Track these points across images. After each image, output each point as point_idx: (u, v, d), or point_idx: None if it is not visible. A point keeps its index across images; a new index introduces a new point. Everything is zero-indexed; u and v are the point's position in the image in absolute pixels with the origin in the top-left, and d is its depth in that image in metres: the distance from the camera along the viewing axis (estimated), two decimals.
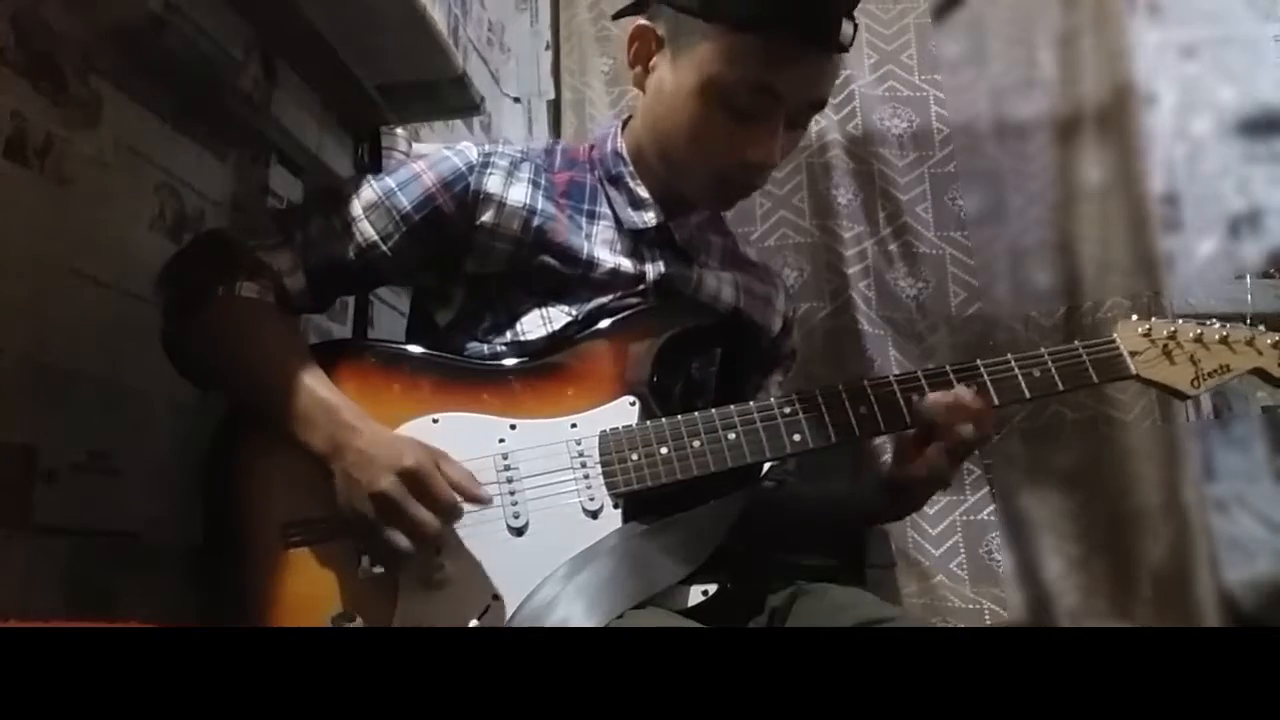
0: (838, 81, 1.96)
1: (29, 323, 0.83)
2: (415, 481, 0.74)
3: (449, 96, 1.30)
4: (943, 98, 1.99)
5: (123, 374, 0.94)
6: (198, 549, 0.84)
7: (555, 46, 2.12)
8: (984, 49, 1.98)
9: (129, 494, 0.94)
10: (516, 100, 2.03)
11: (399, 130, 1.37)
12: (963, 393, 0.86)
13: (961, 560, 1.77)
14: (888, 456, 0.96)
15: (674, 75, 0.90)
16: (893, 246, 1.92)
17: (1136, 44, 1.86)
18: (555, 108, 2.09)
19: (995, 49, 1.98)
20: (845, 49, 0.87)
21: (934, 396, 0.86)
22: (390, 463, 0.75)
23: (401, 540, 0.74)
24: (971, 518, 1.80)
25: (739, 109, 0.86)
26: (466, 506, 0.78)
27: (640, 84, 0.95)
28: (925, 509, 1.80)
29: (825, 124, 1.95)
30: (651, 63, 0.93)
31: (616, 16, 1.01)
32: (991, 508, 1.79)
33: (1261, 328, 0.91)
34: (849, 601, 0.86)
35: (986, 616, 1.73)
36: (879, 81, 2.01)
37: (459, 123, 1.67)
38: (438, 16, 1.23)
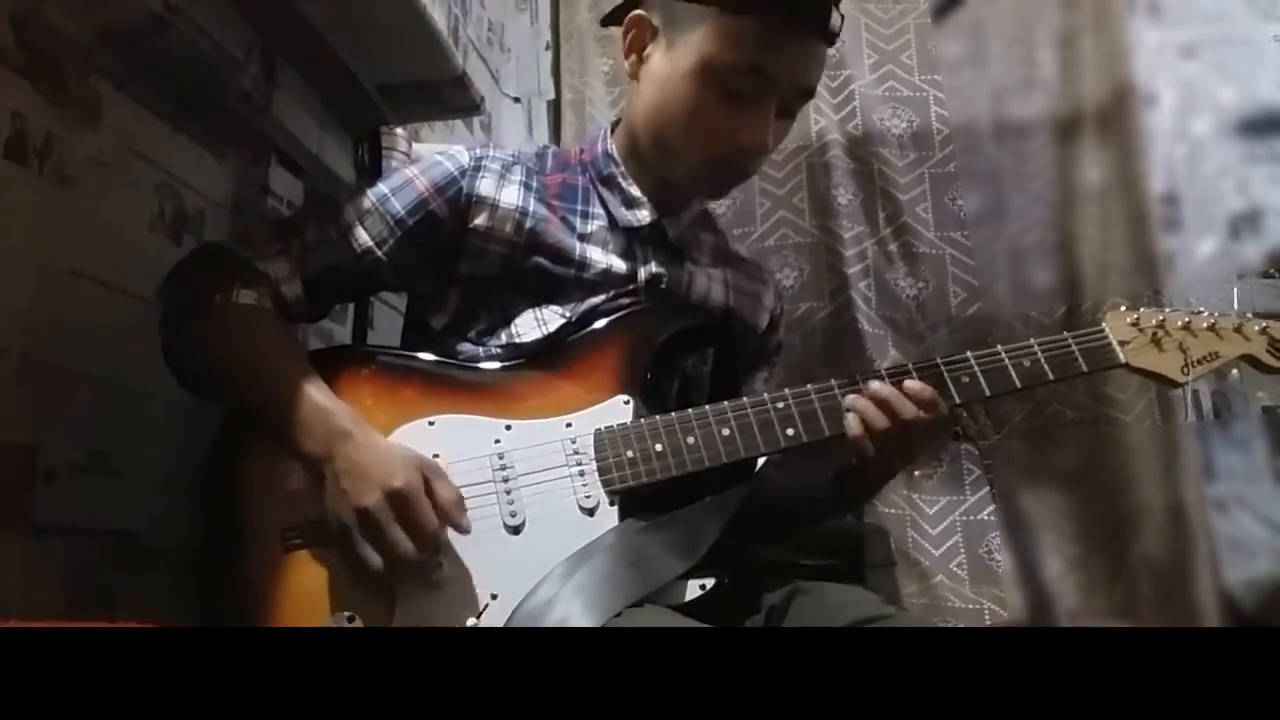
0: (837, 81, 1.99)
1: (29, 323, 0.83)
2: (401, 504, 0.74)
3: (449, 96, 1.29)
4: (943, 98, 1.99)
5: (123, 374, 0.94)
6: (198, 549, 0.84)
7: (555, 46, 2.12)
8: (984, 49, 1.99)
9: (129, 494, 0.94)
10: (516, 100, 2.03)
11: (399, 130, 1.37)
12: (880, 388, 0.83)
13: (961, 560, 1.77)
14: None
15: (669, 61, 0.91)
16: (893, 246, 1.92)
17: (1136, 44, 1.86)
18: (555, 108, 2.09)
19: (995, 49, 1.98)
20: (833, 38, 0.91)
21: (851, 399, 0.84)
22: (380, 480, 0.74)
23: (374, 558, 0.75)
24: (971, 518, 1.80)
25: (733, 91, 0.89)
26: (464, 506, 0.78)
27: (635, 73, 0.96)
28: (925, 509, 1.81)
29: (825, 124, 1.95)
30: (646, 51, 0.94)
31: (605, 23, 1.02)
32: (991, 508, 1.79)
33: (1249, 314, 0.91)
34: (847, 600, 0.86)
35: (986, 616, 1.73)
36: (879, 81, 2.01)
37: (459, 123, 1.67)
38: (438, 16, 1.23)
